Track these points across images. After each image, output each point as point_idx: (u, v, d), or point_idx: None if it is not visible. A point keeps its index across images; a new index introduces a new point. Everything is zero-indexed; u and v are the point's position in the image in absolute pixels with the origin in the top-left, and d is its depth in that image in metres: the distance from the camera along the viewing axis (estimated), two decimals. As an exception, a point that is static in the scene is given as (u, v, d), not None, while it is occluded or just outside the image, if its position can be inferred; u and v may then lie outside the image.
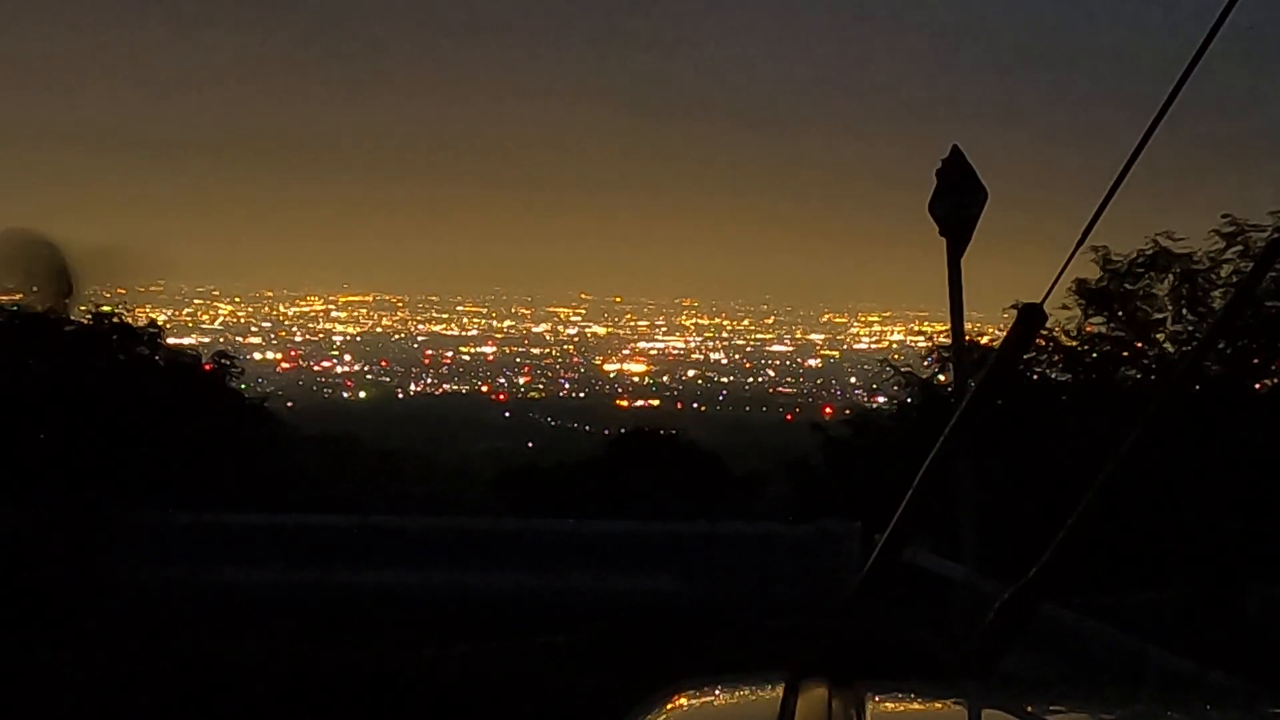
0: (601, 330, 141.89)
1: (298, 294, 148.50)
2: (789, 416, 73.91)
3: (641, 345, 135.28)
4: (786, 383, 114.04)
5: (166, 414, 17.62)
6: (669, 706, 1.68)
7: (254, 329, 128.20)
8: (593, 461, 27.36)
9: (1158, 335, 15.53)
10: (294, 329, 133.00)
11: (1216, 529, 12.43)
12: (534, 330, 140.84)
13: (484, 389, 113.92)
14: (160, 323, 23.34)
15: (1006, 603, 1.83)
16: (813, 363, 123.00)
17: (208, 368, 20.91)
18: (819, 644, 1.80)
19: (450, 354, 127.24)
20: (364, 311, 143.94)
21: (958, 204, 7.81)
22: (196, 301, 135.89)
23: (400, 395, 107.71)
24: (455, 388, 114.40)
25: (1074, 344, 15.94)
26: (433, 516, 13.73)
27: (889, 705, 1.74)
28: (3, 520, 9.90)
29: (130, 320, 20.19)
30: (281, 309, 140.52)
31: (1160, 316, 15.37)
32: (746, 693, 1.79)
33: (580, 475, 25.58)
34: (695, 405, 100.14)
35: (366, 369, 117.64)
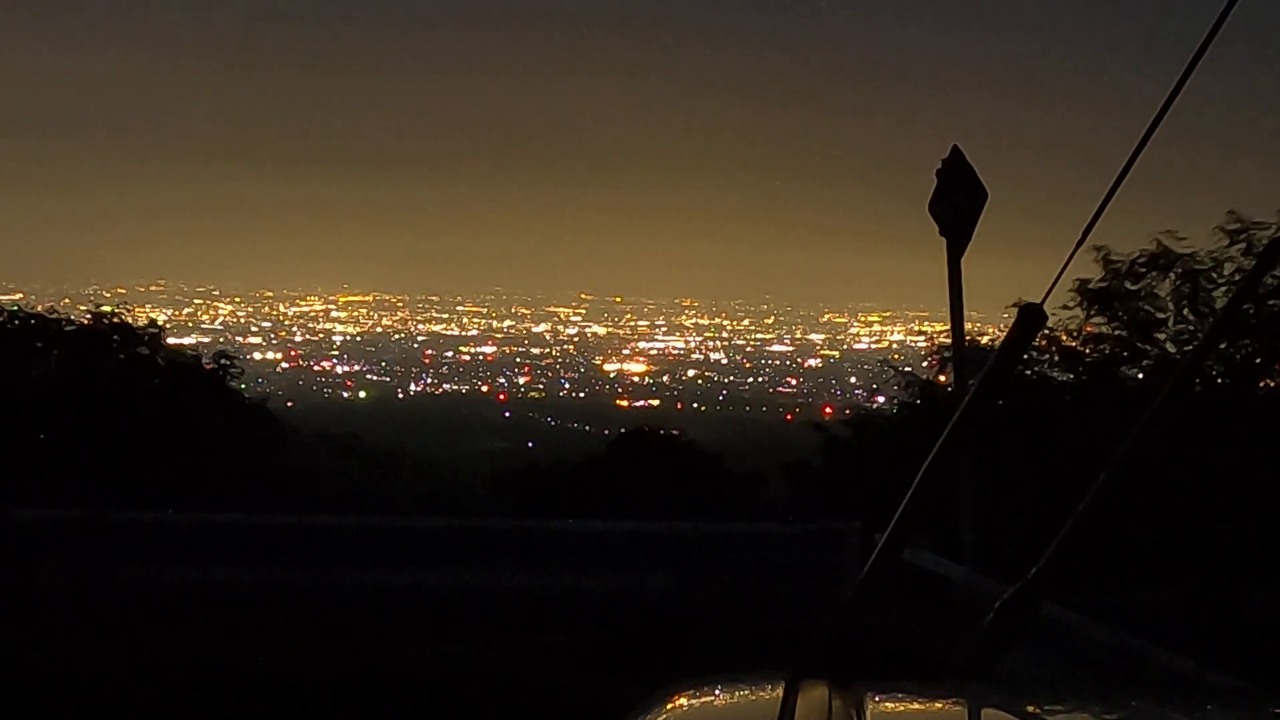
0: (601, 330, 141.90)
1: (298, 294, 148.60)
2: (789, 416, 73.94)
3: (641, 345, 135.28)
4: (786, 383, 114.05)
5: (167, 414, 17.62)
6: (669, 706, 1.68)
7: (254, 329, 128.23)
8: (593, 461, 27.36)
9: (1159, 335, 15.51)
10: (294, 329, 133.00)
11: (1217, 529, 12.43)
12: (534, 330, 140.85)
13: (484, 389, 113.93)
14: (160, 323, 23.38)
15: (1006, 603, 1.83)
16: (813, 363, 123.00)
17: (208, 368, 20.93)
18: (819, 644, 1.79)
19: (450, 353, 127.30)
20: (364, 311, 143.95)
21: (958, 204, 7.80)
22: (196, 301, 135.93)
23: (400, 395, 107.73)
24: (455, 388, 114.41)
25: (1074, 344, 15.93)
26: (433, 516, 13.73)
27: (889, 705, 1.73)
28: (4, 520, 9.90)
29: (130, 320, 20.21)
30: (281, 309, 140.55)
31: (1162, 316, 15.34)
32: (746, 693, 1.78)
33: (580, 475, 25.58)
34: (695, 405, 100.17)
35: (367, 369, 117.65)
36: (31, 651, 7.44)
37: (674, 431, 31.38)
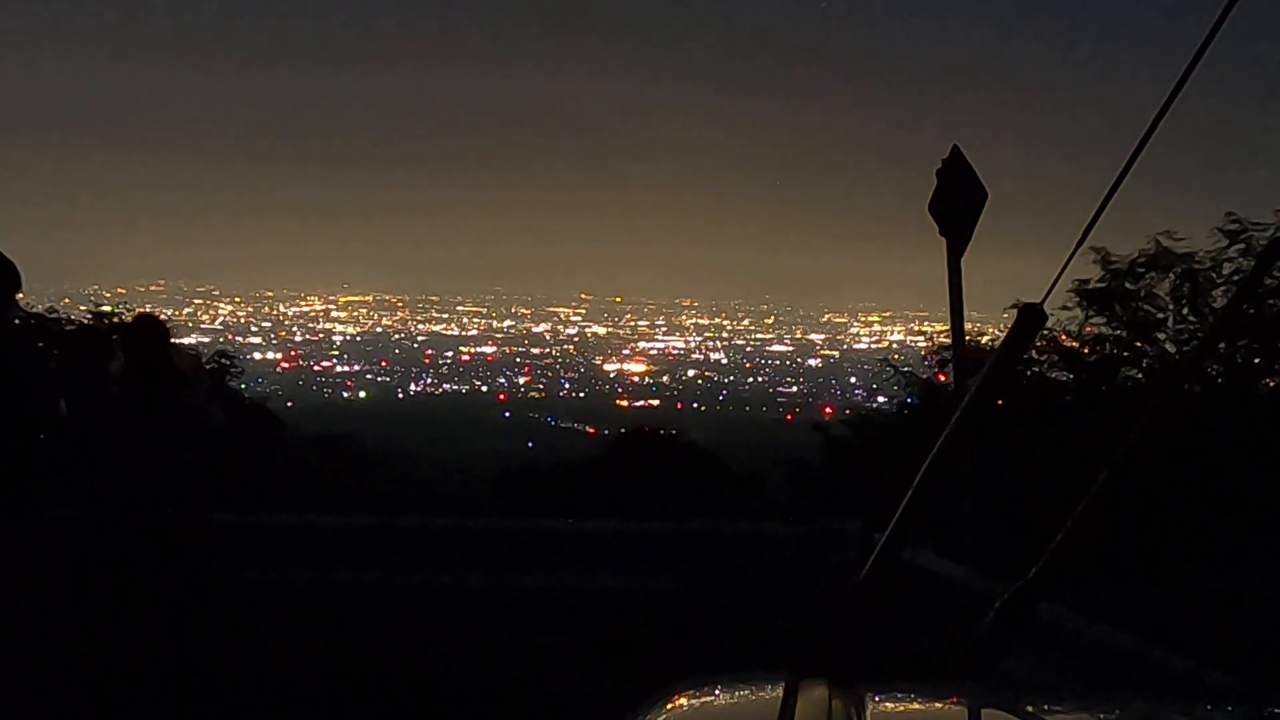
0: (601, 330, 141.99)
1: (298, 294, 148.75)
2: (789, 416, 73.97)
3: (641, 345, 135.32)
4: (786, 383, 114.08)
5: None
6: (669, 706, 1.68)
7: (254, 329, 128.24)
8: (593, 461, 27.37)
9: (1158, 335, 15.51)
10: (294, 329, 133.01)
11: (1217, 529, 12.42)
12: (534, 330, 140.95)
13: (484, 389, 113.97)
14: (160, 322, 23.34)
15: (1006, 603, 1.83)
16: (813, 363, 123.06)
17: (208, 368, 20.92)
18: (819, 644, 1.79)
19: (450, 353, 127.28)
20: (364, 311, 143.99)
21: (958, 204, 7.79)
22: (196, 301, 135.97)
23: (400, 395, 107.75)
24: (455, 388, 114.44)
25: (1074, 344, 15.93)
26: (433, 516, 13.72)
27: (889, 705, 1.73)
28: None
29: (130, 320, 20.19)
30: (281, 309, 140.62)
31: (1161, 316, 15.35)
32: (746, 693, 1.79)
33: (580, 475, 25.58)
34: (695, 405, 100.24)
35: (367, 369, 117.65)
36: (38, 651, 7.44)
37: (674, 431, 31.38)
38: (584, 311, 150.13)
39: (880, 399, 26.88)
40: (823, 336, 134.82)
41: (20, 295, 6.58)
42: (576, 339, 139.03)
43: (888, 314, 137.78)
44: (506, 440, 65.07)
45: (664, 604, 9.09)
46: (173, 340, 7.42)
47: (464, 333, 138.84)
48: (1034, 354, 15.31)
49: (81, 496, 7.03)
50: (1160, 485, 11.88)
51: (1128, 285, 15.23)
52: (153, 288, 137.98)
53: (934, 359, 17.86)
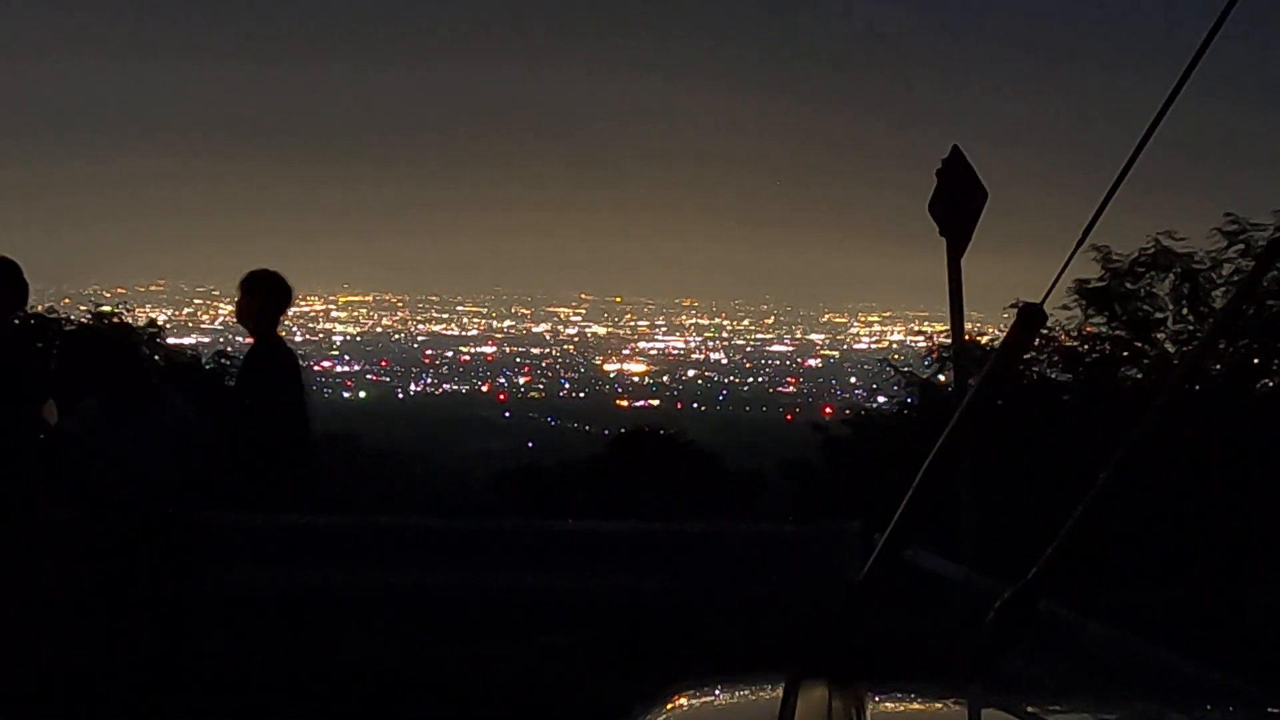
0: (601, 330, 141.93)
1: (297, 294, 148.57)
2: (789, 416, 73.92)
3: (641, 345, 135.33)
4: (786, 383, 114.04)
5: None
6: (669, 706, 1.68)
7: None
8: (593, 461, 27.40)
9: (1158, 335, 15.53)
10: (294, 329, 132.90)
11: (1217, 529, 12.43)
12: (534, 330, 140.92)
13: (484, 389, 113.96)
14: (160, 323, 23.44)
15: (1006, 603, 1.83)
16: (813, 363, 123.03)
17: (208, 368, 20.94)
18: (819, 644, 1.79)
19: (450, 353, 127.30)
20: (364, 311, 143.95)
21: (958, 204, 7.79)
22: (196, 301, 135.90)
23: (400, 395, 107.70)
24: (455, 388, 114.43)
25: (1074, 344, 15.94)
26: (433, 516, 13.71)
27: (889, 705, 1.73)
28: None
29: (130, 320, 20.23)
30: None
31: (1161, 316, 15.36)
32: (746, 693, 1.79)
33: (580, 475, 25.61)
34: (695, 405, 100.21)
35: (367, 369, 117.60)
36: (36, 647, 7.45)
37: (673, 431, 31.42)
38: (584, 311, 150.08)
39: (880, 399, 26.83)
40: (823, 336, 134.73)
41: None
42: (576, 339, 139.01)
43: (888, 314, 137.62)
44: (506, 440, 65.09)
45: (664, 604, 9.09)
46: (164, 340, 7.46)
47: (464, 333, 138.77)
48: (1034, 354, 15.32)
49: (67, 496, 7.06)
50: (1160, 485, 11.88)
51: (1128, 285, 15.25)
52: (153, 288, 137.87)
53: (936, 359, 17.84)
